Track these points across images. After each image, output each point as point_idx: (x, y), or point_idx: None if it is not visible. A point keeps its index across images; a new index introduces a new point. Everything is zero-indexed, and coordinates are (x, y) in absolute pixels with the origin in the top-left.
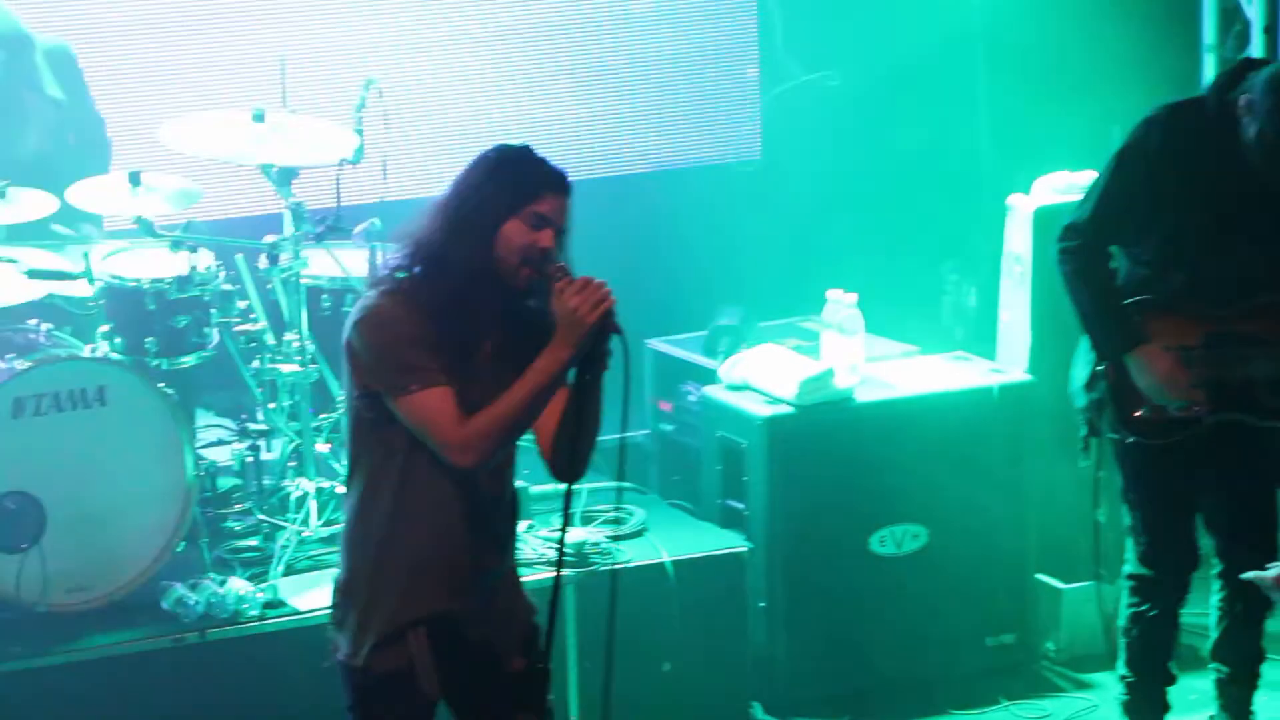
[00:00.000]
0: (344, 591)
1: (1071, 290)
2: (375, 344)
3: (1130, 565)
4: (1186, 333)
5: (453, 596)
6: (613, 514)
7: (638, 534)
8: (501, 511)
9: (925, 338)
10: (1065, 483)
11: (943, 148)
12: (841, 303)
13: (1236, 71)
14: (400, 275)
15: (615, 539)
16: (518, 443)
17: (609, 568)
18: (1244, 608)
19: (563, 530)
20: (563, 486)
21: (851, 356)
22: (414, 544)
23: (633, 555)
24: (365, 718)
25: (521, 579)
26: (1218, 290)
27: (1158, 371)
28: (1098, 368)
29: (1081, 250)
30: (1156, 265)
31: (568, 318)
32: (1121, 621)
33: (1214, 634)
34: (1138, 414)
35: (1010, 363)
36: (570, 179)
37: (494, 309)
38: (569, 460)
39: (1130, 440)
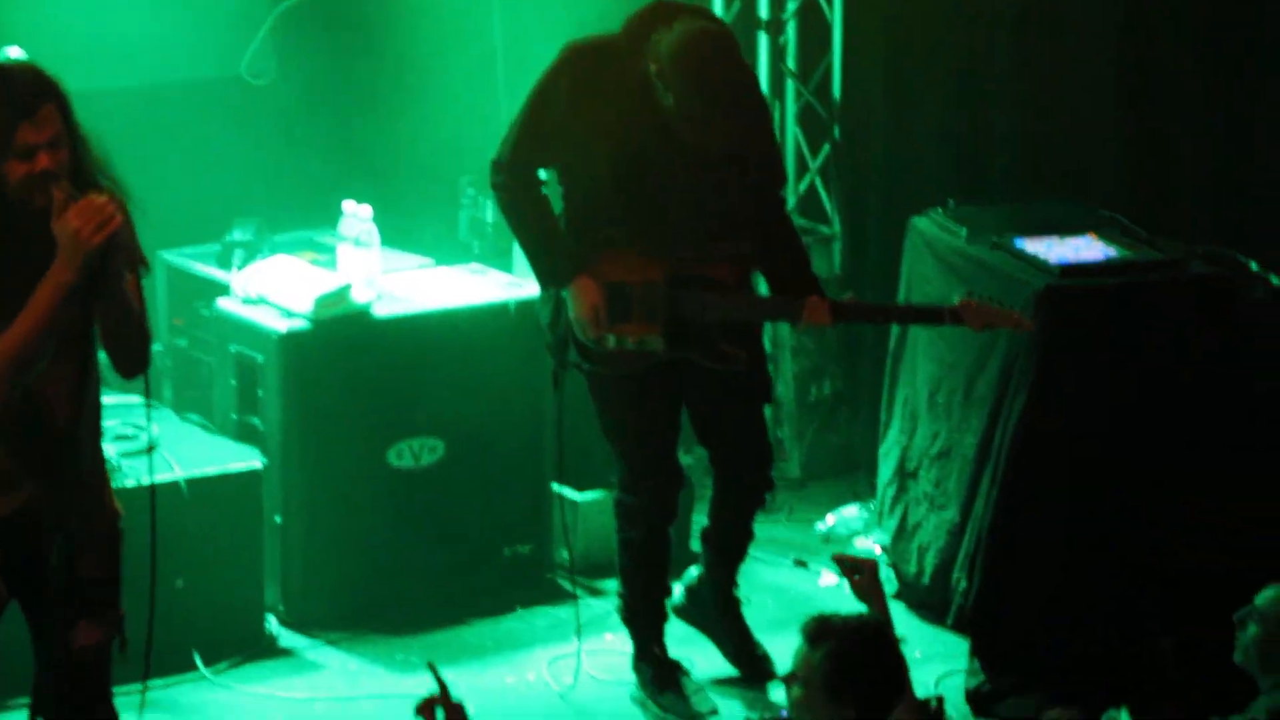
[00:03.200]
0: None
1: (509, 223)
2: None
3: (617, 491)
4: (650, 271)
5: (15, 502)
6: (123, 430)
7: (149, 450)
8: (70, 418)
9: (443, 252)
10: (582, 394)
11: (460, 60)
12: (357, 216)
13: (647, 16)
14: None
15: (126, 455)
16: (95, 352)
17: (137, 484)
18: (735, 505)
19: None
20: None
21: (368, 270)
22: None
23: (145, 472)
24: None
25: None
26: (668, 231)
27: (582, 306)
28: (558, 299)
29: (507, 185)
30: (595, 203)
31: (69, 241)
32: (615, 544)
33: (707, 523)
34: (596, 345)
35: (528, 277)
36: (46, 85)
37: (22, 237)
38: (123, 362)
39: (592, 370)
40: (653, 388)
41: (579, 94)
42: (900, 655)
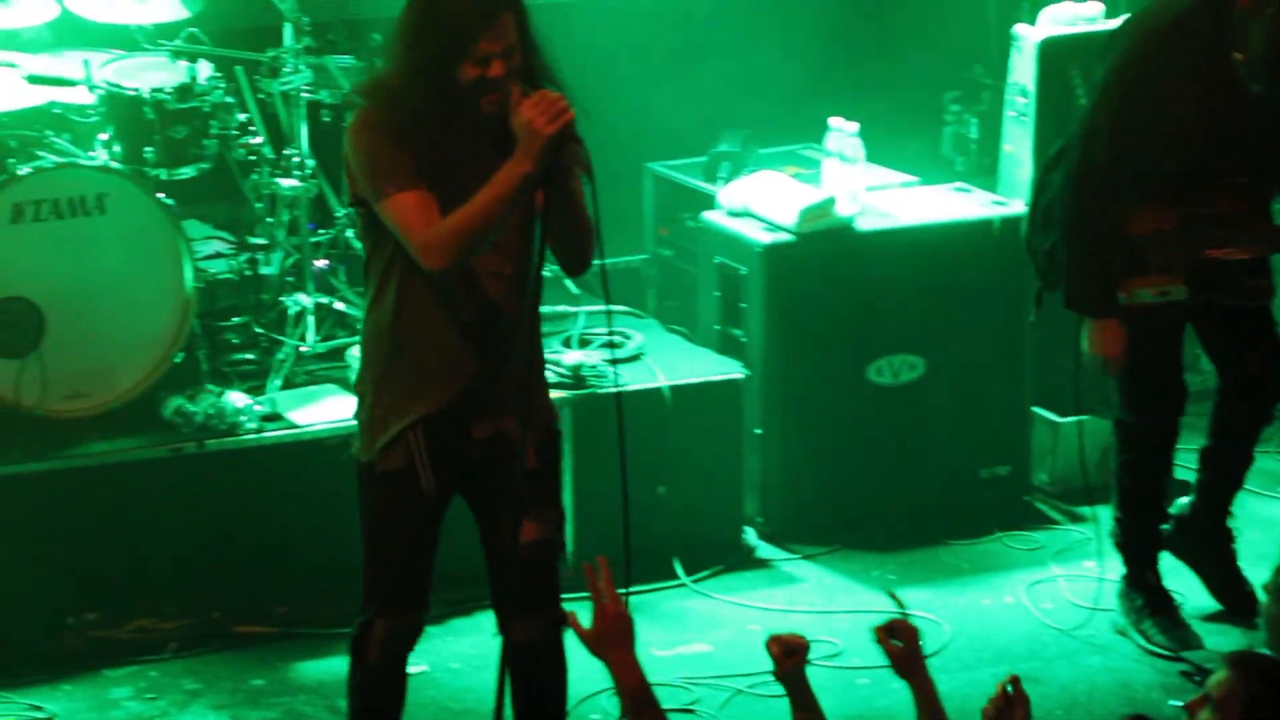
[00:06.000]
0: (359, 390)
1: (1075, 235)
2: (361, 149)
3: (1118, 411)
4: (1162, 219)
5: (452, 397)
6: (609, 338)
7: (635, 358)
8: (507, 316)
9: (925, 168)
10: (1064, 315)
11: None
12: (843, 131)
13: None
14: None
15: (613, 363)
16: (535, 254)
17: (608, 390)
18: (1245, 422)
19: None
20: (562, 308)
21: (852, 185)
22: (414, 347)
23: (630, 379)
24: (370, 513)
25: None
26: (1196, 180)
27: (1102, 348)
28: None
29: (1094, 206)
30: (1135, 166)
31: (525, 131)
32: (1113, 466)
33: (1208, 443)
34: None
35: (1011, 195)
36: None
37: (468, 134)
38: (567, 260)
39: None
40: (1165, 325)
41: (1173, 70)
42: None
